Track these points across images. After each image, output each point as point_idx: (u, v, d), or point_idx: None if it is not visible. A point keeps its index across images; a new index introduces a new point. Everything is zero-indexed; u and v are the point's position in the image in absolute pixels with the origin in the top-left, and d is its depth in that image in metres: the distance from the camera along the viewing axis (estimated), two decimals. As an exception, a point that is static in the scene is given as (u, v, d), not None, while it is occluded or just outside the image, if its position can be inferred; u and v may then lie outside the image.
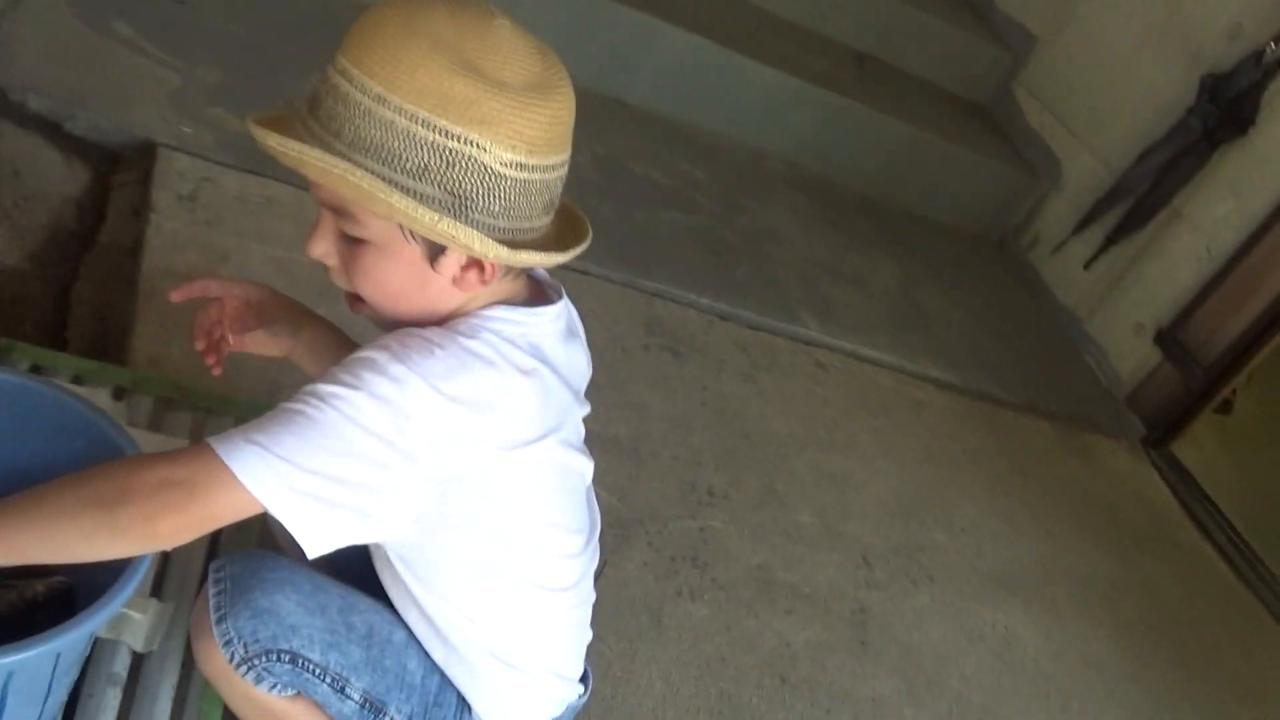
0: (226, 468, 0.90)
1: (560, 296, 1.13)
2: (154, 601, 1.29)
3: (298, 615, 1.08)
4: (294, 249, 2.05)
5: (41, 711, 1.07)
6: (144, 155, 2.07)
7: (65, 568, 1.12)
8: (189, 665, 1.29)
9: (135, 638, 1.25)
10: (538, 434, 1.05)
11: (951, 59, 3.87)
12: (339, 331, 1.29)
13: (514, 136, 0.95)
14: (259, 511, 0.93)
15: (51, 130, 2.03)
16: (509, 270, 1.05)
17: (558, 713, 1.25)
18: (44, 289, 1.75)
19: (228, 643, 1.06)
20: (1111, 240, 3.35)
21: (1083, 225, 3.45)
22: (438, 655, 1.17)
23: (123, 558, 1.00)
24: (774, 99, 3.33)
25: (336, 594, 1.12)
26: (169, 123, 2.14)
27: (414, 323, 1.06)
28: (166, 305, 1.31)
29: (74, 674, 1.07)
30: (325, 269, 1.06)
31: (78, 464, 0.98)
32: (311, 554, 0.95)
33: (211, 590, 1.08)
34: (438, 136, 0.93)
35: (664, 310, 2.53)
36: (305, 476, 0.91)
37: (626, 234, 2.51)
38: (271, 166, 2.15)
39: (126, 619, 1.25)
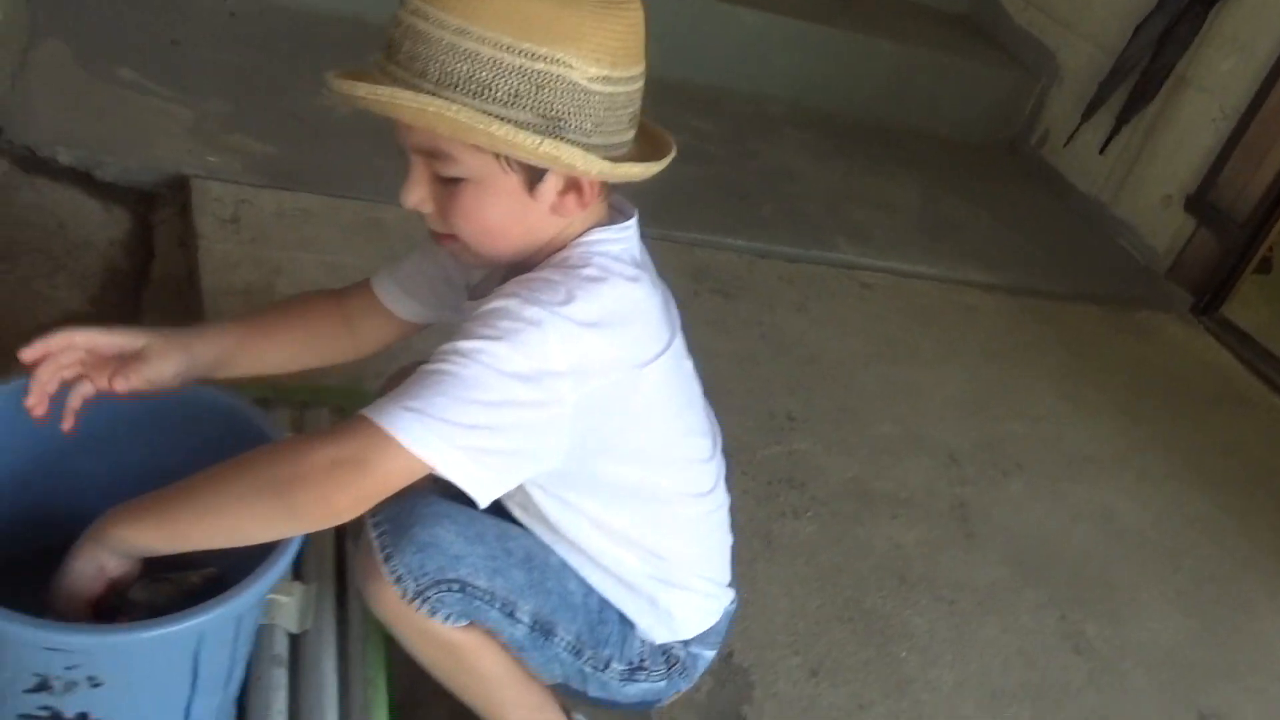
0: (391, 438, 0.91)
1: (634, 212, 1.13)
2: (298, 584, 1.30)
3: (459, 545, 1.09)
4: (339, 253, 2.07)
5: (229, 679, 1.08)
6: (177, 189, 2.09)
7: (214, 558, 1.12)
8: (345, 639, 1.30)
9: (288, 620, 1.26)
10: (663, 344, 1.06)
11: (927, -26, 3.87)
12: (237, 323, 1.23)
13: (597, 49, 0.95)
14: (422, 474, 0.94)
15: (84, 180, 2.05)
16: (601, 192, 1.05)
17: (715, 621, 1.26)
18: (113, 327, 1.76)
19: (398, 579, 1.07)
20: (1122, 120, 3.34)
21: (1090, 112, 3.44)
22: (593, 579, 1.18)
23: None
24: (764, 42, 3.34)
25: (490, 523, 1.13)
26: (194, 154, 2.16)
27: (513, 257, 1.07)
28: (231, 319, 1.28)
29: (249, 648, 1.09)
30: (421, 216, 1.06)
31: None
32: (482, 503, 0.97)
33: (373, 534, 1.09)
34: (524, 60, 0.92)
35: (705, 257, 2.54)
36: (465, 432, 0.92)
37: (650, 191, 2.49)
38: (303, 181, 2.20)
39: (276, 603, 1.26)
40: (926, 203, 3.24)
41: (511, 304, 0.96)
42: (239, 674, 1.12)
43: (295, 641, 1.27)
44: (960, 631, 1.82)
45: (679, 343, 1.11)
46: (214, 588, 1.15)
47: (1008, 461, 2.27)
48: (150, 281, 1.90)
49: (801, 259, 2.71)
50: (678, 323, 1.14)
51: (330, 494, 0.93)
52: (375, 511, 1.09)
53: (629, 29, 0.97)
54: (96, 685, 0.92)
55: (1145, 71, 3.27)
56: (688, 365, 1.17)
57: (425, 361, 0.96)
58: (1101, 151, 3.42)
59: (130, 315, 1.82)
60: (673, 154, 1.06)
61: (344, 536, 1.42)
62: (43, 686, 0.92)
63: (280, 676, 1.22)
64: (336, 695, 1.23)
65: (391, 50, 0.96)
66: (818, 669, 1.66)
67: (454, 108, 0.92)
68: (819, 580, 1.81)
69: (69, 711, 0.95)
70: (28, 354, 1.08)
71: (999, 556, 2.01)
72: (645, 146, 1.06)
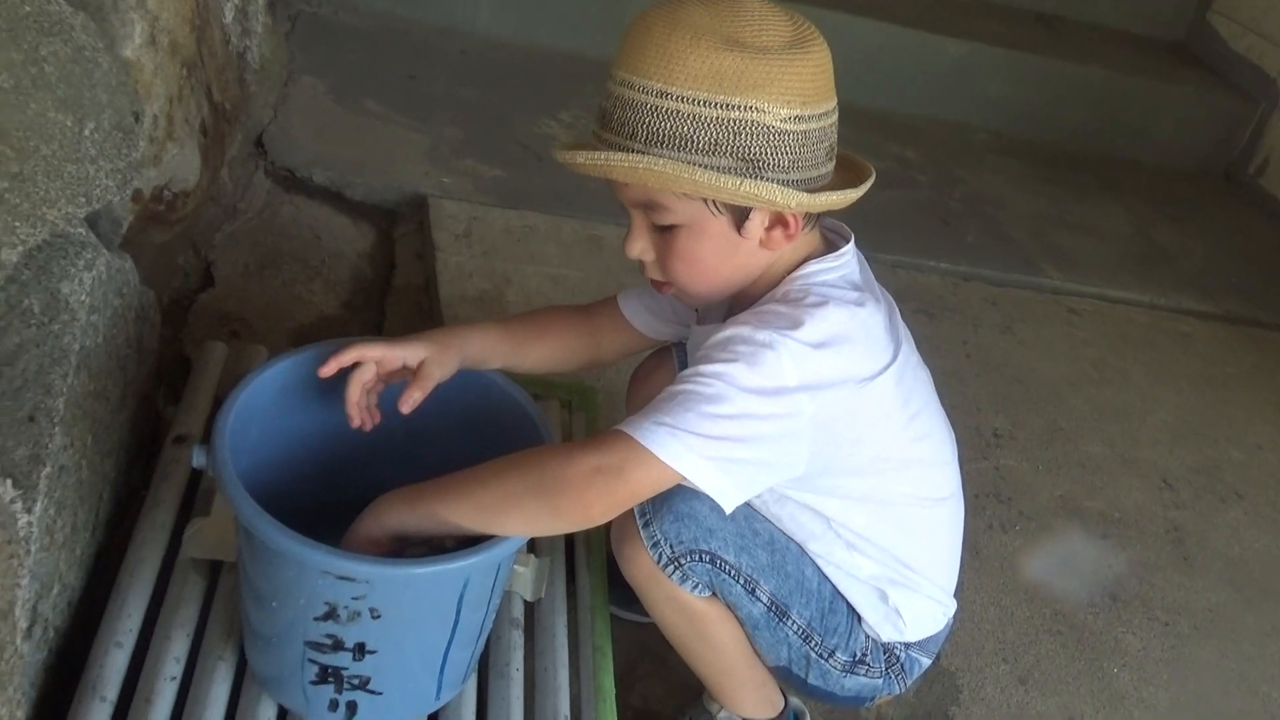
0: (646, 450, 0.99)
1: (850, 236, 1.19)
2: (533, 557, 1.40)
3: (712, 519, 1.16)
4: (562, 266, 2.19)
5: (479, 634, 1.18)
6: (416, 207, 2.26)
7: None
8: (574, 610, 1.40)
9: (524, 588, 1.37)
10: (888, 358, 1.11)
11: (1137, 2, 3.79)
12: (500, 326, 1.33)
13: (786, 92, 1.02)
14: (671, 484, 1.02)
15: (335, 198, 2.24)
16: (807, 223, 1.11)
17: (939, 628, 1.29)
18: (362, 329, 1.93)
19: (655, 544, 1.16)
20: (1351, 146, 3.20)
21: (1315, 138, 3.31)
22: (827, 571, 1.23)
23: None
24: (968, 71, 3.35)
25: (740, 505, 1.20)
26: (430, 177, 2.34)
27: (727, 293, 1.15)
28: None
29: (497, 601, 1.18)
30: (641, 266, 1.16)
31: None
32: (729, 509, 1.04)
33: None
34: (720, 111, 1.00)
35: (907, 278, 2.57)
36: (713, 444, 0.99)
37: (854, 215, 2.55)
38: (527, 201, 2.35)
39: (514, 573, 1.37)
40: (1137, 230, 3.17)
41: (744, 330, 1.05)
42: (486, 632, 1.22)
43: (530, 610, 1.37)
44: (1177, 653, 1.78)
45: (905, 353, 1.15)
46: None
47: (1225, 489, 2.20)
48: (393, 289, 2.07)
49: (1006, 283, 2.70)
50: (904, 335, 1.18)
51: (590, 499, 1.01)
52: None
53: (816, 70, 1.04)
54: (377, 617, 1.04)
55: (1378, 95, 3.12)
56: (921, 375, 1.21)
57: (671, 385, 1.05)
58: (1328, 179, 3.28)
59: (376, 319, 1.99)
60: (871, 179, 1.11)
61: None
62: (331, 615, 1.04)
63: (517, 638, 1.32)
64: (567, 657, 1.32)
65: (604, 119, 1.06)
66: (1026, 678, 1.66)
67: (660, 162, 1.02)
68: (1026, 592, 1.81)
69: (349, 641, 1.06)
70: (325, 371, 1.18)
71: (1217, 581, 1.96)
72: (845, 175, 1.12)
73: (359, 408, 1.20)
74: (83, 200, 1.19)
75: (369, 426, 1.22)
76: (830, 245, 1.18)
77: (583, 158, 1.05)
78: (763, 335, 1.03)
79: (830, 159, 1.10)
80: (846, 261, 1.14)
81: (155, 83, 1.43)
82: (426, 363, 1.21)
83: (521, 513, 1.04)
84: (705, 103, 1.00)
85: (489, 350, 1.28)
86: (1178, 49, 3.87)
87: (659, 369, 1.38)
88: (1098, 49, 3.63)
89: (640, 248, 1.13)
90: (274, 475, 1.18)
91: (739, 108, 1.00)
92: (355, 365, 1.19)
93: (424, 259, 2.15)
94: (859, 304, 1.10)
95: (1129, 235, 3.12)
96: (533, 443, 1.17)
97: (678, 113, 1.01)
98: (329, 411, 1.21)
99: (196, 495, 1.38)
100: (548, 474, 1.03)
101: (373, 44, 2.83)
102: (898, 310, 1.21)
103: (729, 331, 1.06)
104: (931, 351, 2.38)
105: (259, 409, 1.16)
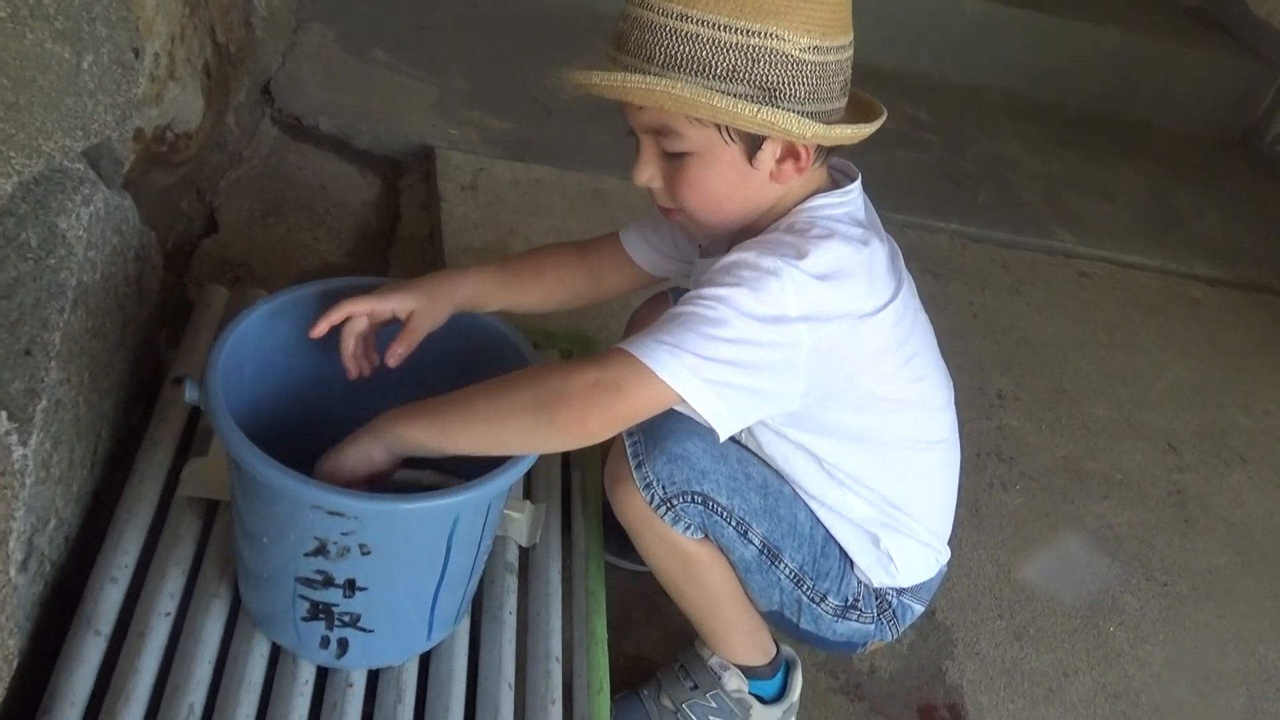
0: (646, 367, 0.98)
1: (858, 175, 1.18)
2: (528, 503, 1.41)
3: (706, 461, 1.16)
4: (565, 218, 2.18)
5: (470, 576, 1.19)
6: (423, 158, 2.26)
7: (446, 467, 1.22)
8: (569, 556, 1.40)
9: (519, 534, 1.38)
10: (889, 295, 1.11)
11: (1160, -35, 3.74)
12: (494, 267, 1.32)
13: (807, 21, 1.00)
14: (669, 405, 1.02)
15: (342, 147, 2.24)
16: (818, 157, 1.10)
17: (931, 575, 1.30)
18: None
19: (648, 485, 1.16)
20: (1371, 112, 3.16)
21: (1336, 104, 3.26)
22: (820, 514, 1.23)
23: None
24: (984, 30, 3.31)
25: (732, 446, 1.19)
26: (438, 128, 2.33)
27: (735, 224, 1.14)
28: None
29: (489, 543, 1.19)
30: (650, 192, 1.14)
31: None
32: (724, 434, 1.03)
33: (627, 441, 1.17)
34: (740, 37, 0.99)
35: (916, 238, 2.55)
36: (711, 366, 0.99)
37: (865, 173, 2.55)
38: (534, 153, 2.34)
39: (509, 519, 1.38)
40: (1151, 195, 3.14)
41: (749, 256, 1.04)
42: (477, 575, 1.22)
43: (524, 555, 1.38)
44: (1174, 613, 1.78)
45: (905, 294, 1.14)
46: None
47: (1230, 453, 2.20)
48: (397, 239, 2.06)
49: (1016, 245, 2.68)
50: (905, 277, 1.17)
51: (588, 413, 1.01)
52: None
53: (836, 1, 1.03)
54: (366, 553, 1.04)
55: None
56: (921, 318, 1.21)
57: (675, 307, 1.04)
58: (1348, 146, 3.24)
59: (380, 268, 1.98)
60: (883, 117, 1.10)
61: (570, 465, 1.52)
62: (320, 551, 1.04)
63: (511, 582, 1.32)
64: (560, 601, 1.33)
65: (620, 41, 1.04)
66: (1022, 634, 1.66)
67: (678, 85, 1.00)
68: (1026, 551, 1.81)
69: (340, 577, 1.07)
70: (316, 332, 1.17)
71: (1218, 544, 1.95)
72: (857, 112, 1.11)
73: (355, 359, 1.21)
74: (80, 134, 1.19)
75: (367, 373, 1.23)
76: (836, 184, 1.17)
77: (598, 78, 1.02)
78: (768, 262, 1.02)
79: (844, 94, 1.08)
80: (853, 199, 1.13)
81: (157, 19, 1.42)
82: (415, 314, 1.21)
83: (519, 426, 1.03)
84: (725, 27, 0.98)
85: (484, 293, 1.27)
86: (1197, 12, 3.81)
87: (655, 315, 1.38)
88: (1116, 10, 3.58)
89: (649, 174, 1.11)
90: (269, 413, 1.18)
91: (759, 34, 0.99)
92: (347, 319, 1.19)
93: (429, 210, 2.14)
94: (863, 241, 1.09)
95: (1142, 199, 3.09)
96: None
97: (697, 36, 0.99)
98: (325, 351, 1.21)
99: (195, 436, 1.39)
100: (547, 388, 1.02)
101: (382, -6, 2.81)
102: (900, 253, 1.20)
103: (734, 256, 1.05)
104: (938, 312, 2.36)
105: (254, 346, 1.16)
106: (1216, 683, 1.69)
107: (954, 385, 1.29)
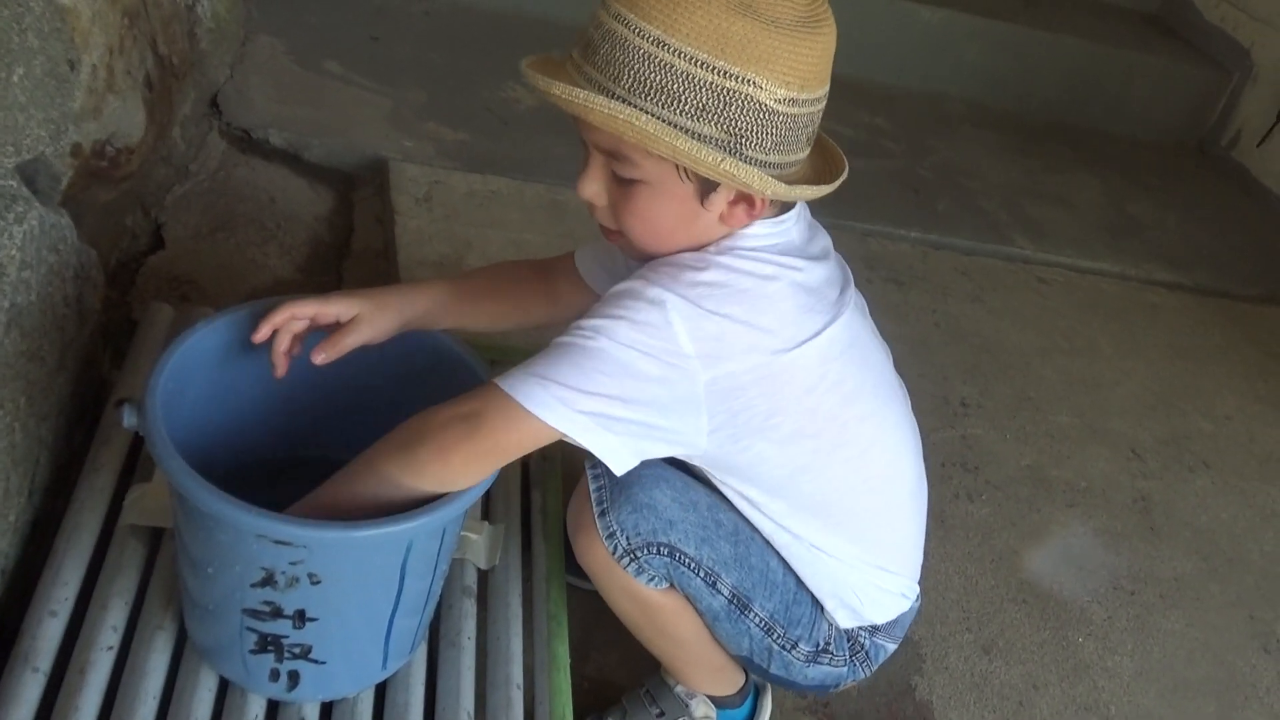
0: (511, 398, 0.95)
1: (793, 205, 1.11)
2: (486, 524, 1.37)
3: (674, 510, 1.11)
4: (523, 231, 2.15)
5: (426, 602, 1.15)
6: (376, 170, 2.21)
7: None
8: (529, 578, 1.37)
9: (477, 556, 1.34)
10: (818, 326, 1.05)
11: (1113, -27, 3.76)
12: (447, 283, 1.28)
13: (788, 73, 0.95)
14: (546, 440, 0.98)
15: (293, 160, 2.19)
16: (772, 207, 1.05)
17: (902, 610, 1.25)
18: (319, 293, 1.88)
19: (610, 535, 1.11)
20: (1323, 118, 3.19)
21: (1288, 110, 3.29)
22: (784, 555, 1.17)
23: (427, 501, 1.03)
24: (943, 39, 3.31)
25: (703, 492, 1.15)
26: (391, 140, 2.28)
27: (675, 254, 1.06)
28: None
29: (444, 575, 1.15)
30: (590, 208, 1.09)
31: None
32: (617, 470, 0.99)
33: (591, 486, 1.12)
34: (717, 77, 0.93)
35: (878, 246, 2.54)
36: (586, 398, 0.95)
37: (826, 183, 2.54)
38: (491, 165, 2.30)
39: (466, 540, 1.34)
40: (1109, 201, 3.15)
41: (636, 285, 1.00)
42: (434, 600, 1.19)
43: (483, 577, 1.34)
44: (1142, 622, 1.77)
45: (841, 328, 1.07)
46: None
47: (1193, 458, 2.19)
48: (351, 253, 2.02)
49: (977, 252, 2.67)
50: (847, 306, 1.10)
51: (446, 448, 0.98)
52: (595, 464, 1.11)
53: (821, 53, 0.98)
54: (316, 583, 1.00)
55: (1351, 66, 3.10)
56: (872, 356, 1.15)
57: (556, 338, 1.00)
58: (1300, 151, 3.27)
59: (333, 283, 1.94)
60: (845, 174, 1.06)
61: (530, 484, 1.48)
62: (268, 581, 1.00)
63: (470, 606, 1.28)
64: (521, 625, 1.29)
65: (588, 50, 0.97)
66: (990, 647, 1.64)
67: (643, 118, 0.94)
68: (992, 561, 1.79)
69: (289, 608, 1.03)
70: (258, 336, 1.14)
71: (1183, 551, 1.94)
72: (818, 160, 1.07)
73: (283, 357, 1.16)
74: (11, 150, 1.14)
75: (286, 373, 1.17)
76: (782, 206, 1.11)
77: (560, 90, 0.96)
78: (653, 292, 0.98)
79: (809, 145, 1.04)
80: (786, 229, 1.07)
81: (93, 30, 1.37)
82: (358, 319, 1.17)
83: (382, 475, 1.01)
84: (702, 64, 0.93)
85: (436, 310, 1.23)
86: (1153, 20, 3.84)
87: None
88: (1073, 18, 3.60)
89: (594, 191, 1.05)
90: (216, 437, 1.14)
91: (736, 78, 0.94)
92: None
93: (383, 223, 2.10)
94: (778, 274, 1.03)
95: (1101, 206, 3.10)
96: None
97: (671, 67, 0.93)
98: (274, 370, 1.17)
99: (138, 461, 1.34)
100: (411, 430, 1.00)
101: (334, 4, 2.76)
102: (853, 285, 1.14)
103: (624, 284, 1.01)
104: (900, 320, 2.37)
105: (198, 368, 1.12)
106: (1186, 692, 1.67)
107: (917, 393, 1.25)
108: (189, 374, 1.10)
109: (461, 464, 0.99)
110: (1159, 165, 3.47)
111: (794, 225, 1.09)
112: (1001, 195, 2.96)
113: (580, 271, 1.30)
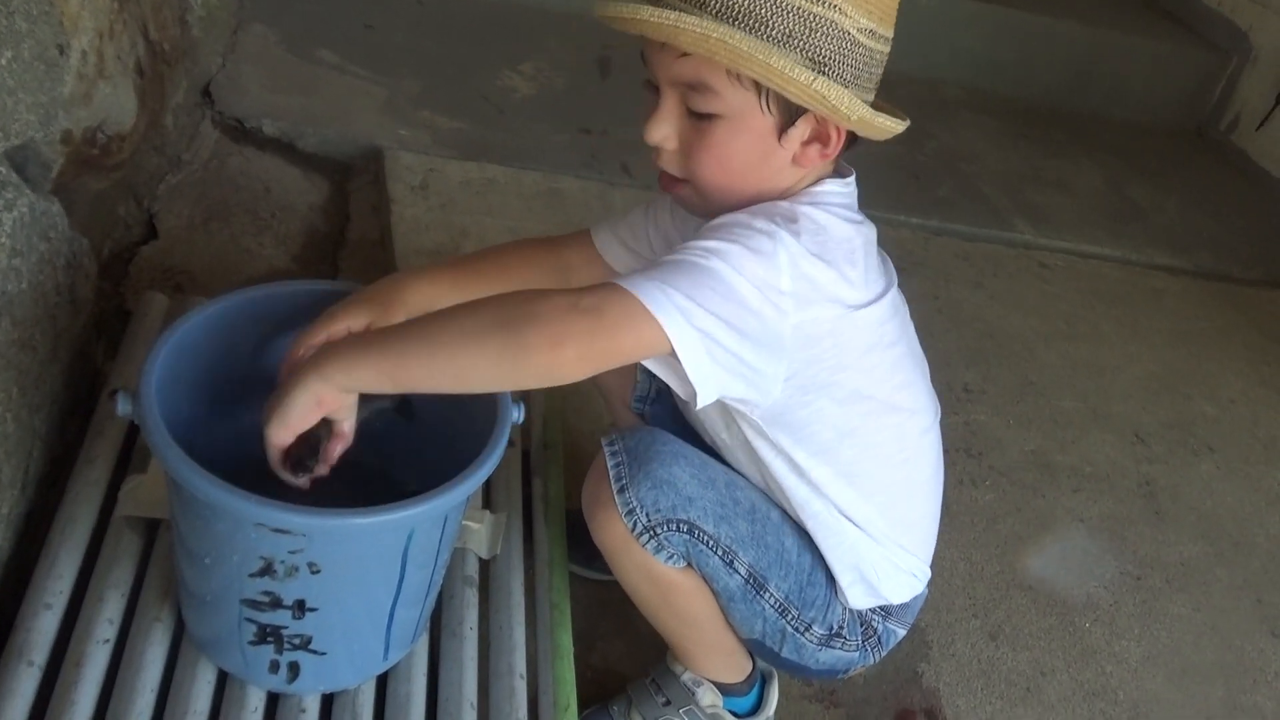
0: (635, 298, 0.90)
1: (852, 171, 1.13)
2: (487, 513, 1.35)
3: (692, 487, 1.09)
4: (520, 219, 2.13)
5: (427, 592, 1.13)
6: (372, 159, 2.19)
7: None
8: (531, 567, 1.35)
9: (478, 545, 1.32)
10: (882, 288, 1.07)
11: (1111, -43, 3.74)
12: (452, 268, 1.25)
13: (868, 2, 0.96)
14: (652, 353, 0.93)
15: (287, 150, 2.16)
16: (840, 147, 1.04)
17: (915, 593, 1.24)
18: (313, 283, 1.86)
19: (630, 512, 1.08)
20: (1323, 100, 3.17)
21: (1287, 93, 3.27)
22: (807, 525, 1.16)
23: (516, 389, 0.99)
24: (941, 24, 3.28)
25: (720, 469, 1.14)
26: (387, 129, 2.26)
27: (741, 205, 1.05)
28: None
29: (446, 557, 1.13)
30: (655, 154, 1.06)
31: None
32: (702, 398, 0.95)
33: (609, 463, 1.10)
34: (803, 1, 0.93)
35: (880, 232, 2.50)
36: (703, 314, 0.92)
37: (825, 169, 2.53)
38: (488, 153, 2.28)
39: (467, 529, 1.32)
40: (1110, 186, 3.13)
41: (744, 217, 0.99)
42: (435, 590, 1.17)
43: (485, 567, 1.32)
44: (1149, 607, 1.75)
45: (895, 295, 1.11)
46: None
47: (1198, 442, 2.18)
48: (347, 242, 2.00)
49: (978, 238, 2.65)
50: (894, 278, 1.14)
51: (561, 338, 0.89)
52: (612, 441, 1.11)
53: None
54: (316, 572, 0.98)
55: (1352, 47, 3.09)
56: (909, 325, 1.17)
57: (663, 257, 0.97)
58: (1300, 134, 3.25)
59: (328, 272, 1.92)
60: (908, 122, 1.05)
61: (531, 473, 1.47)
62: (267, 570, 0.98)
63: (471, 596, 1.27)
64: (524, 615, 1.27)
65: None
66: (997, 633, 1.63)
67: (737, 34, 0.93)
68: (998, 547, 1.77)
69: (288, 598, 1.01)
70: (291, 362, 1.07)
71: (1189, 535, 1.93)
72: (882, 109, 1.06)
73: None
74: (-1, 134, 1.12)
75: None
76: (840, 174, 1.12)
77: (648, 13, 0.93)
78: (761, 223, 0.97)
79: (875, 91, 1.04)
80: (853, 191, 1.10)
81: (82, 14, 1.35)
82: (371, 328, 1.11)
83: (483, 351, 0.91)
84: None
85: (439, 295, 1.20)
86: (1151, 3, 3.82)
87: None
88: (1072, 3, 3.58)
89: (664, 133, 1.02)
90: (211, 426, 1.12)
91: (823, 3, 0.94)
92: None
93: (379, 212, 2.07)
94: (858, 231, 1.06)
95: (1101, 191, 3.08)
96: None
97: None
98: (270, 357, 1.15)
99: (133, 451, 1.32)
100: (519, 307, 0.92)
101: (327, -8, 2.74)
102: (888, 257, 1.16)
103: (726, 218, 0.99)
104: (902, 305, 2.33)
105: (194, 355, 1.10)
106: (1194, 676, 1.66)
107: (932, 380, 1.24)
108: (185, 360, 1.08)
109: (575, 358, 0.90)
110: (1158, 149, 3.45)
111: (855, 189, 1.10)
112: (1002, 181, 2.94)
113: (599, 248, 1.27)
